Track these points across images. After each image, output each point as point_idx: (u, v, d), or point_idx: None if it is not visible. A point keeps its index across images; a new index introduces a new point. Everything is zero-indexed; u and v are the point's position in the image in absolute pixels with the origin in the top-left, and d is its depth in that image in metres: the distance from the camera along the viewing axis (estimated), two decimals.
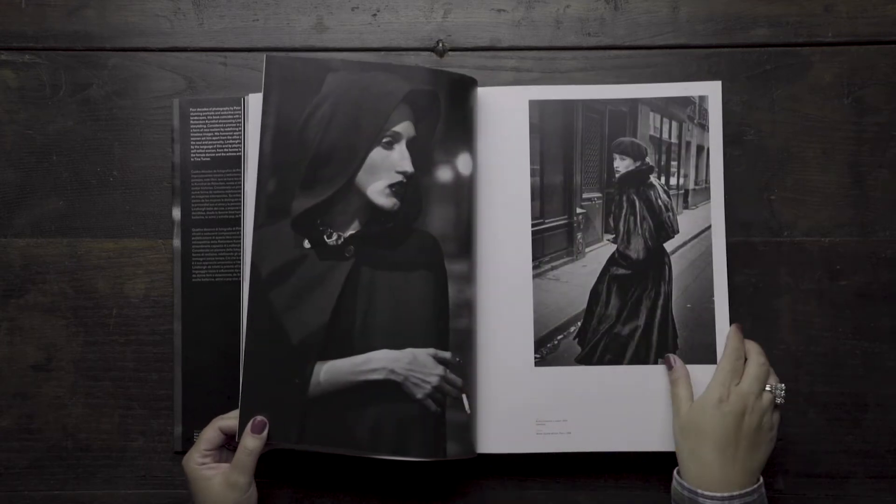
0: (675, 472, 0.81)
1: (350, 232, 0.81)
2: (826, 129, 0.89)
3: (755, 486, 0.78)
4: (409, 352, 0.81)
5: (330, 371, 0.80)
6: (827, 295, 0.89)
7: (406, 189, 0.82)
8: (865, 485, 0.88)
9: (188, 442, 0.86)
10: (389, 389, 0.80)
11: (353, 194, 0.81)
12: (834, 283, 0.89)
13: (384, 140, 0.81)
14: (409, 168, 0.81)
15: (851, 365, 0.88)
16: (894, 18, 0.90)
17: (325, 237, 0.81)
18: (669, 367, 0.83)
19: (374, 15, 0.91)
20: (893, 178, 0.89)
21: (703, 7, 0.90)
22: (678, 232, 0.85)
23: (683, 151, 0.86)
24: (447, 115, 0.83)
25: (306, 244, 0.81)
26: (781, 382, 0.81)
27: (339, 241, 0.81)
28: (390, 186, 0.81)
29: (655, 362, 0.84)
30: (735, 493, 0.76)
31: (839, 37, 0.90)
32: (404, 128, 0.82)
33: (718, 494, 0.76)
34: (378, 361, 0.80)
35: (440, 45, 0.91)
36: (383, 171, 0.81)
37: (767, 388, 0.80)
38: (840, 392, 0.88)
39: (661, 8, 0.91)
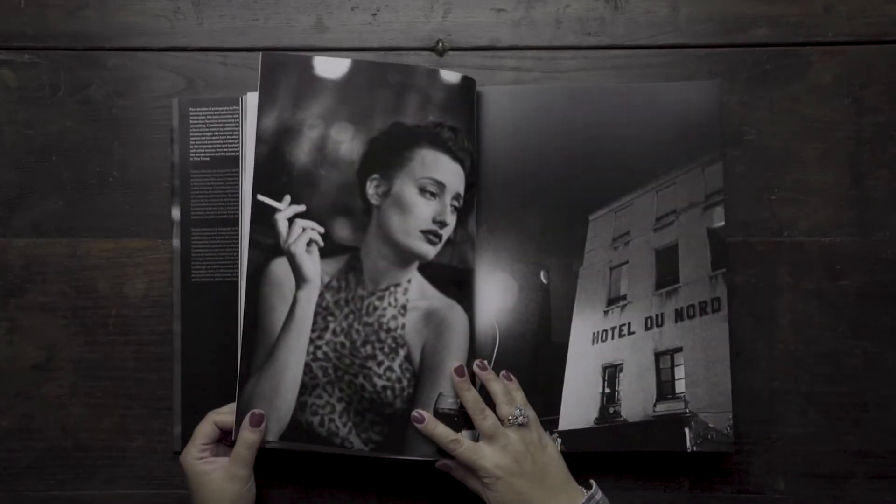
0: None
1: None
2: (826, 129, 0.89)
3: (590, 492, 0.79)
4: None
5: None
6: (827, 295, 0.89)
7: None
8: (865, 485, 0.88)
9: (188, 442, 0.86)
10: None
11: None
12: (834, 283, 0.89)
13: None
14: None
15: (851, 365, 0.88)
16: (894, 18, 0.90)
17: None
18: (419, 422, 0.81)
19: (374, 15, 0.91)
20: (893, 178, 0.89)
21: (703, 7, 0.90)
22: None
23: None
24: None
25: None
26: (515, 404, 0.81)
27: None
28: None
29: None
30: None
31: (839, 37, 0.90)
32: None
33: None
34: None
35: (440, 44, 0.91)
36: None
37: (510, 417, 0.80)
38: (840, 392, 0.88)
39: (661, 8, 0.91)
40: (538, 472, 0.79)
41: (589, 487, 0.80)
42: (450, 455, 0.80)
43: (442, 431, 0.80)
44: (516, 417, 0.80)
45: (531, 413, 0.81)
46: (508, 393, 0.82)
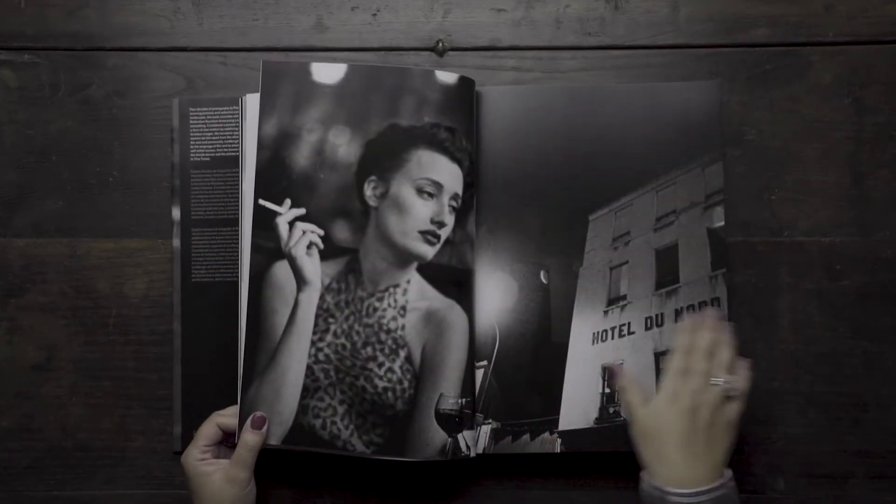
0: (640, 474, 0.79)
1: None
2: (826, 129, 0.89)
3: (723, 480, 0.77)
4: None
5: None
6: (827, 295, 0.89)
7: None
8: (865, 485, 0.88)
9: (188, 442, 0.86)
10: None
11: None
12: (834, 283, 0.89)
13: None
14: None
15: (851, 365, 0.88)
16: (894, 18, 0.90)
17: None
18: (613, 377, 0.83)
19: (374, 15, 0.91)
20: (893, 178, 0.89)
21: (703, 7, 0.90)
22: None
23: None
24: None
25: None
26: (736, 375, 0.79)
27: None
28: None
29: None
30: (703, 489, 0.75)
31: (839, 37, 0.90)
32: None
33: (687, 490, 0.76)
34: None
35: (440, 44, 0.90)
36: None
37: (714, 382, 0.79)
38: (840, 392, 0.88)
39: (661, 8, 0.91)
40: (703, 433, 0.77)
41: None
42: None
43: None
44: (726, 384, 0.78)
45: (739, 385, 0.79)
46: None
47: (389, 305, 0.82)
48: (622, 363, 0.84)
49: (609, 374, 0.84)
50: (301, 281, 0.81)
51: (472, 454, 0.83)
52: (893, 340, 0.88)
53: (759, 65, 0.90)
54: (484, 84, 0.88)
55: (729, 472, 0.78)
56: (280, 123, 0.82)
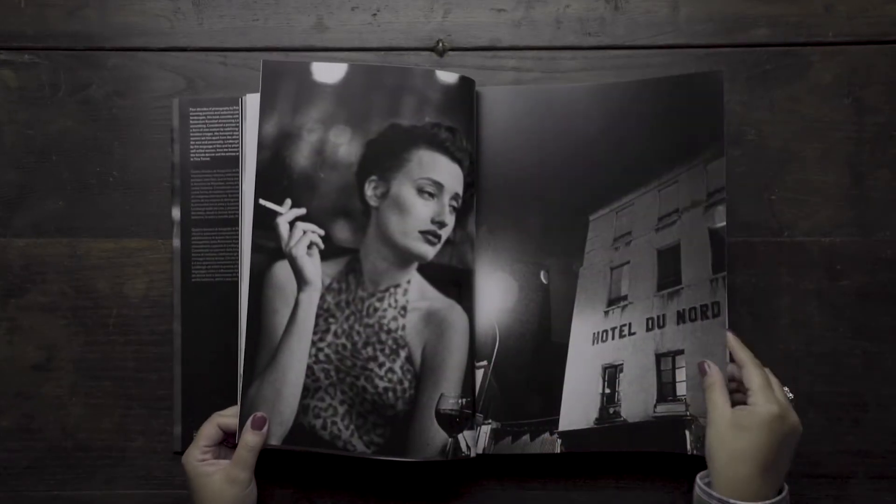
0: (697, 477, 0.79)
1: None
2: (826, 129, 0.89)
3: (783, 494, 0.76)
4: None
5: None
6: (827, 295, 0.89)
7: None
8: (865, 485, 0.88)
9: (188, 442, 0.86)
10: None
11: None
12: (834, 283, 0.89)
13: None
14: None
15: (851, 365, 0.88)
16: (894, 18, 0.90)
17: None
18: (703, 373, 0.80)
19: (374, 15, 0.91)
20: (893, 178, 0.89)
21: (703, 7, 0.90)
22: None
23: None
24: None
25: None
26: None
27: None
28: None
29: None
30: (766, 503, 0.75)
31: (839, 37, 0.90)
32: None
33: None
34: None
35: (440, 44, 0.90)
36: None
37: (790, 395, 0.79)
38: (840, 392, 0.88)
39: (661, 8, 0.91)
40: (776, 450, 0.75)
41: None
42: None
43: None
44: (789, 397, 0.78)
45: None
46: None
47: (390, 305, 0.82)
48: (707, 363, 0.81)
49: (699, 370, 0.81)
50: (301, 281, 0.81)
51: (473, 454, 0.83)
52: (893, 340, 0.88)
53: (759, 65, 0.90)
54: (484, 84, 0.88)
55: (786, 488, 0.77)
56: (280, 123, 0.82)
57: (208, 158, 0.89)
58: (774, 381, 0.79)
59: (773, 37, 0.90)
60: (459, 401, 0.81)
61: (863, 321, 0.88)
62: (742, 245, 0.89)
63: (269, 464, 0.87)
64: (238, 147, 0.86)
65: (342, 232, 0.82)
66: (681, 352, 0.84)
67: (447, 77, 0.84)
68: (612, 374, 0.85)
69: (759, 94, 0.89)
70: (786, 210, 0.89)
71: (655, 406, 0.84)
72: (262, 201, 0.81)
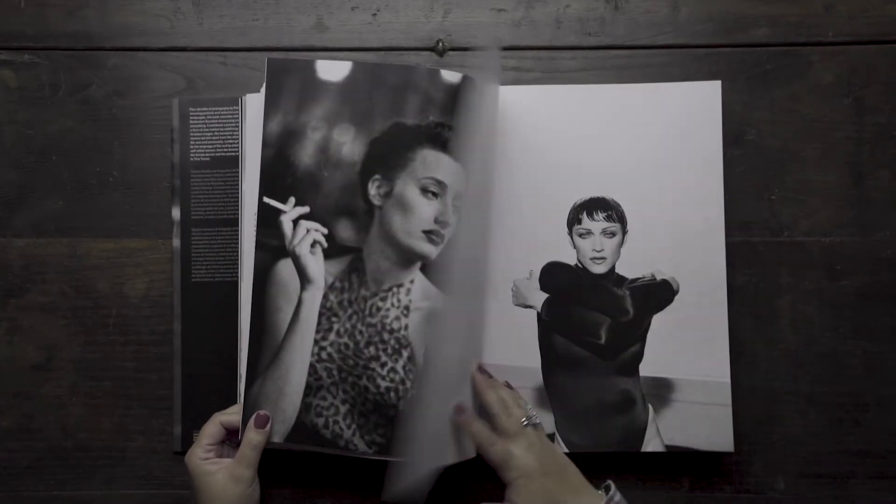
0: None
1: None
2: (826, 129, 0.89)
3: (608, 495, 0.77)
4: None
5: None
6: (827, 295, 0.89)
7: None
8: (865, 485, 0.88)
9: (188, 442, 0.86)
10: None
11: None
12: (834, 283, 0.89)
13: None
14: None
15: (851, 365, 0.88)
16: (894, 18, 0.90)
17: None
18: (459, 414, 0.81)
19: (374, 15, 0.91)
20: (893, 178, 0.89)
21: (703, 7, 0.90)
22: None
23: None
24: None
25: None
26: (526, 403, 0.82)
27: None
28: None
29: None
30: None
31: (839, 37, 0.90)
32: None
33: None
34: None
35: (440, 44, 0.90)
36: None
37: (525, 419, 0.79)
38: (840, 392, 0.88)
39: (661, 8, 0.91)
40: (559, 470, 0.78)
41: (605, 489, 0.78)
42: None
43: (479, 428, 0.79)
44: (531, 418, 0.79)
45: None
46: (515, 397, 0.82)
47: (392, 305, 0.82)
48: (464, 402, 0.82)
49: (456, 411, 0.81)
50: (305, 279, 0.81)
51: (473, 454, 0.83)
52: (893, 340, 0.88)
53: (759, 65, 0.90)
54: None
55: (612, 486, 0.77)
56: (285, 121, 0.82)
57: (208, 158, 0.89)
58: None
59: (773, 37, 0.90)
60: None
61: (863, 321, 0.88)
62: (742, 245, 0.89)
63: (269, 463, 0.86)
64: (238, 147, 0.86)
65: (345, 231, 0.82)
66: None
67: (451, 76, 0.83)
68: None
69: (759, 94, 0.90)
70: (786, 210, 0.89)
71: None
72: (266, 199, 0.81)
